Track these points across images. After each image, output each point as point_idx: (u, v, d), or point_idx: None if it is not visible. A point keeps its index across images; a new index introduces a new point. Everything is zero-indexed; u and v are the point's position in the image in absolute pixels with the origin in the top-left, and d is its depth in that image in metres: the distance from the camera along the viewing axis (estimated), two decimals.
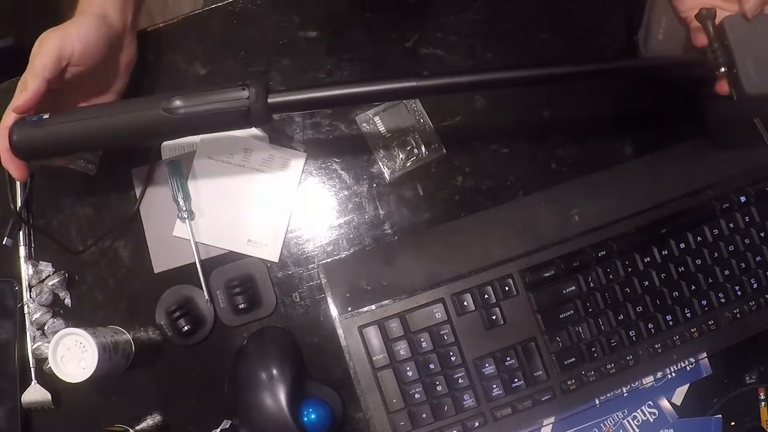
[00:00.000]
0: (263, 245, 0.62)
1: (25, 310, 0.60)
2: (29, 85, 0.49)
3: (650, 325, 0.60)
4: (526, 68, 0.52)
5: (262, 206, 0.62)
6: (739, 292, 0.61)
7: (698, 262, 0.61)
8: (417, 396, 0.57)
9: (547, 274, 0.59)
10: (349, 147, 0.64)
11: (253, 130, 0.63)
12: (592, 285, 0.60)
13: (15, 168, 0.50)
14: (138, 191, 0.62)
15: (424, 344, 0.57)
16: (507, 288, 0.59)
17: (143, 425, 0.60)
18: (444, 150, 0.64)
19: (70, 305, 0.61)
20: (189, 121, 0.48)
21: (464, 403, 0.57)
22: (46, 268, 0.61)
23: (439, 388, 0.57)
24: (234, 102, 0.47)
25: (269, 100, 0.48)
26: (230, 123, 0.49)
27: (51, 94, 0.50)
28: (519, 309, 0.59)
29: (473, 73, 0.51)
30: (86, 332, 0.54)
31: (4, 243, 0.60)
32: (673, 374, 0.62)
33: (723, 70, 0.52)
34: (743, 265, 0.62)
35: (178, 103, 0.47)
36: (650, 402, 0.62)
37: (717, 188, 0.63)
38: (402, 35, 0.66)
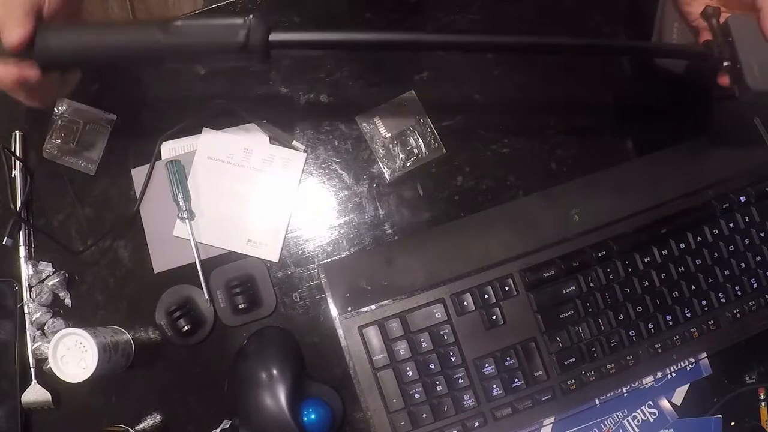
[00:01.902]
0: (263, 245, 0.62)
1: (25, 310, 0.60)
2: (14, 30, 0.47)
3: (650, 325, 0.60)
4: (525, 36, 0.52)
5: (262, 206, 0.62)
6: (739, 292, 0.61)
7: (698, 262, 0.61)
8: (417, 396, 0.57)
9: (547, 274, 0.59)
10: (349, 147, 0.64)
11: (254, 129, 0.63)
12: (592, 285, 0.60)
13: (26, 70, 0.48)
14: (138, 191, 0.62)
15: (424, 344, 0.57)
16: (507, 288, 0.59)
17: (143, 425, 0.60)
18: (444, 150, 0.64)
19: (70, 305, 0.61)
20: (186, 44, 0.48)
21: (464, 403, 0.57)
22: (46, 268, 0.61)
23: (439, 388, 0.57)
24: (233, 29, 0.47)
25: (270, 38, 0.48)
26: (227, 50, 0.48)
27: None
28: (519, 309, 0.59)
29: (474, 34, 0.52)
30: (86, 332, 0.54)
31: (4, 243, 0.60)
32: (673, 374, 0.62)
33: (726, 64, 0.52)
34: (743, 265, 0.62)
35: (178, 23, 0.48)
36: (650, 402, 0.62)
37: (717, 188, 0.63)
38: None
